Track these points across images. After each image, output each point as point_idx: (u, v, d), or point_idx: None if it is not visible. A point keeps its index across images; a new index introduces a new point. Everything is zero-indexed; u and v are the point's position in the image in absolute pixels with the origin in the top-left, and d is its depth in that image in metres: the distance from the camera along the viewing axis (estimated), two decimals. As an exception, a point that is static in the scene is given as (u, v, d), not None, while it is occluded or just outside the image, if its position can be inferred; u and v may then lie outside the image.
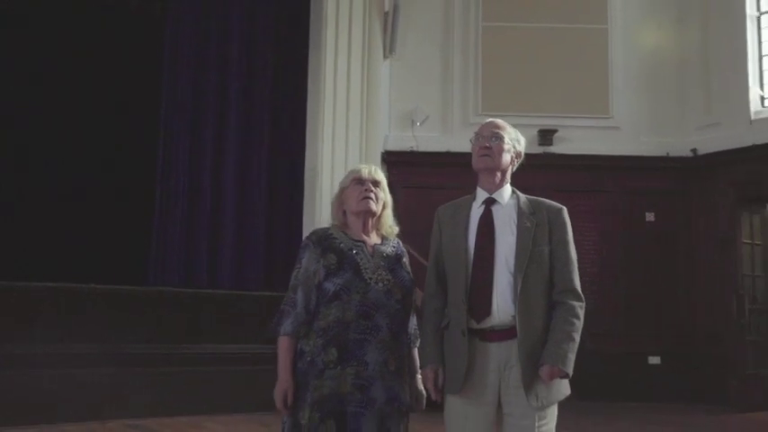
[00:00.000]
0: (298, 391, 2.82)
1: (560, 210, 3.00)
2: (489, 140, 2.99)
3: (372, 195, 3.01)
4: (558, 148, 10.20)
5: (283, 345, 2.91)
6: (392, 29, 10.28)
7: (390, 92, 10.45)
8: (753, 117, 9.80)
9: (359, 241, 3.00)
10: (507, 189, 3.03)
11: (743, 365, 9.39)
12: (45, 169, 8.68)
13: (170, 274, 9.07)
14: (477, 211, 2.96)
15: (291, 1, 10.15)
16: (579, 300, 2.88)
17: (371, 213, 3.02)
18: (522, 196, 3.04)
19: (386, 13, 10.33)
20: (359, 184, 3.04)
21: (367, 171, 3.08)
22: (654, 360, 9.95)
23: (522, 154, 3.15)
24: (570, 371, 2.77)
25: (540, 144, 10.09)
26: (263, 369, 7.96)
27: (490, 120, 3.15)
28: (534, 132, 10.02)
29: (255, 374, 8.02)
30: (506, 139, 3.03)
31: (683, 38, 10.52)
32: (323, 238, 3.01)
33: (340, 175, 9.47)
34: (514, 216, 2.92)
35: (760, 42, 9.96)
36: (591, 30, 10.43)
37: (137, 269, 8.87)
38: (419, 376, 2.99)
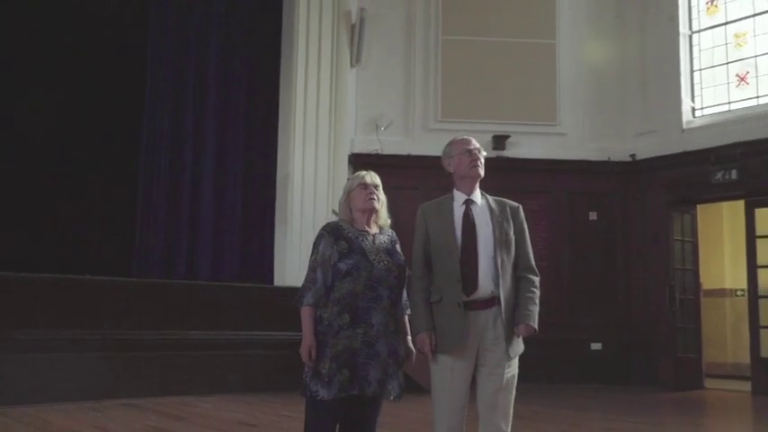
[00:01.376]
0: (318, 348, 3.57)
1: (518, 207, 3.83)
2: (480, 154, 3.77)
3: (375, 197, 3.78)
4: (510, 152, 10.98)
5: (306, 313, 3.65)
6: (359, 40, 10.96)
7: (357, 99, 11.11)
8: (684, 126, 10.73)
9: (363, 231, 3.77)
10: (478, 192, 3.83)
11: (674, 350, 10.30)
12: (43, 173, 9.24)
13: (152, 267, 9.69)
14: (459, 209, 3.72)
15: (265, 14, 10.81)
16: (536, 275, 3.72)
17: (374, 210, 3.80)
18: (489, 197, 3.83)
19: (353, 26, 11.02)
20: (363, 188, 3.79)
21: (369, 178, 3.84)
22: (596, 346, 10.82)
23: None
24: (537, 327, 3.61)
25: (494, 148, 10.83)
26: (242, 354, 8.72)
27: (466, 137, 3.91)
28: (489, 138, 10.83)
29: (235, 359, 8.80)
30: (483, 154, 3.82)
31: (624, 53, 11.40)
32: (335, 230, 3.77)
33: (310, 175, 10.23)
34: (487, 213, 3.71)
35: (692, 58, 10.91)
36: (541, 44, 11.26)
37: (121, 261, 9.47)
38: (409, 338, 3.77)
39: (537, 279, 3.72)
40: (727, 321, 12.25)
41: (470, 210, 3.70)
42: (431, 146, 10.70)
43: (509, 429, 3.57)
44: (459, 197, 3.77)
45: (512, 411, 3.61)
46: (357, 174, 3.93)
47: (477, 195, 3.78)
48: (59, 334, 7.58)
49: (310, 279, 3.69)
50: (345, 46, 11.00)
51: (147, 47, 10.04)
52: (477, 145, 3.81)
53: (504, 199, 3.86)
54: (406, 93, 11.24)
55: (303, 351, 3.59)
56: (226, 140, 10.46)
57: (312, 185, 10.43)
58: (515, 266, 3.70)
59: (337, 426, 3.59)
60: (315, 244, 3.80)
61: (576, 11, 11.39)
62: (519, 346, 3.63)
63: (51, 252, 8.78)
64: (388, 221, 3.90)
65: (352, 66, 11.04)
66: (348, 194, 3.83)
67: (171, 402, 7.59)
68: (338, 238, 3.71)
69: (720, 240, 12.33)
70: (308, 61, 10.66)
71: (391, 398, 3.60)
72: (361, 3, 11.09)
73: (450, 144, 3.89)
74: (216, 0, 10.62)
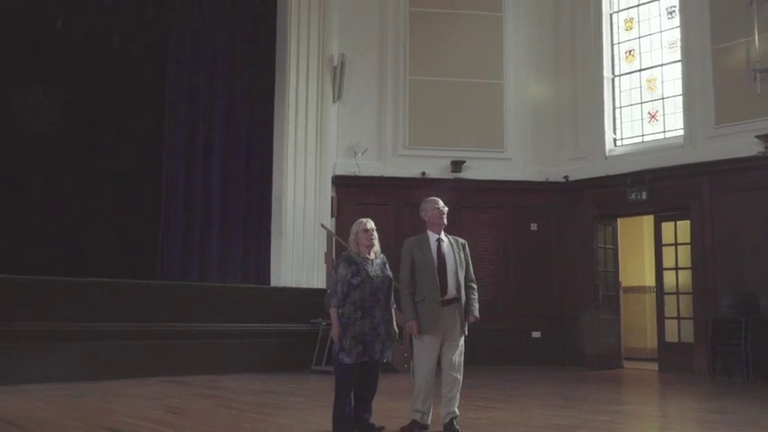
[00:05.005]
0: (342, 332, 5.72)
1: (465, 242, 6.08)
2: (444, 210, 5.97)
3: (374, 237, 5.96)
4: (466, 174, 13.12)
5: (333, 311, 5.79)
6: (340, 80, 13.06)
7: (338, 129, 13.16)
8: (607, 154, 13.00)
9: (366, 258, 5.93)
10: (443, 233, 6.04)
11: (597, 336, 12.55)
12: (79, 202, 11.29)
13: (171, 271, 11.73)
14: (434, 244, 5.93)
15: (261, 60, 12.88)
16: (475, 283, 5.98)
17: (373, 246, 5.97)
18: (449, 236, 6.05)
19: (335, 68, 13.12)
20: (365, 232, 5.96)
21: (369, 224, 6.00)
22: (536, 334, 13.02)
23: None
24: (479, 316, 5.87)
25: (452, 171, 13.05)
26: (247, 341, 10.77)
27: (436, 197, 6.09)
28: (448, 162, 13.06)
29: (241, 346, 10.89)
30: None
31: (559, 92, 13.60)
32: (348, 258, 5.93)
33: (301, 195, 12.65)
34: (450, 247, 5.93)
35: (613, 98, 13.19)
36: (491, 84, 13.45)
37: (148, 267, 11.52)
38: (395, 323, 5.95)
39: (476, 285, 5.97)
40: (647, 313, 14.35)
41: (441, 245, 5.94)
42: (400, 168, 13.08)
43: (461, 377, 5.83)
44: (432, 236, 5.99)
45: (462, 367, 5.85)
46: (360, 221, 6.11)
47: (443, 235, 6.00)
48: (110, 326, 9.65)
49: (333, 290, 5.87)
50: (328, 85, 13.09)
51: (165, 88, 12.03)
52: (443, 204, 6.03)
53: (457, 237, 6.10)
54: (380, 124, 13.30)
55: (334, 334, 5.77)
56: (230, 166, 12.49)
57: (302, 202, 12.56)
58: (465, 279, 5.94)
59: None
60: (335, 267, 6.00)
61: (520, 57, 13.60)
62: (466, 328, 5.88)
63: (95, 260, 10.81)
64: (379, 249, 6.09)
65: (333, 102, 13.13)
66: (356, 235, 6.02)
67: (200, 380, 9.60)
68: (350, 264, 5.89)
69: (642, 246, 14.43)
70: (298, 98, 12.76)
71: (387, 360, 5.83)
72: (341, 48, 13.20)
73: (426, 202, 6.12)
74: (221, 49, 12.63)
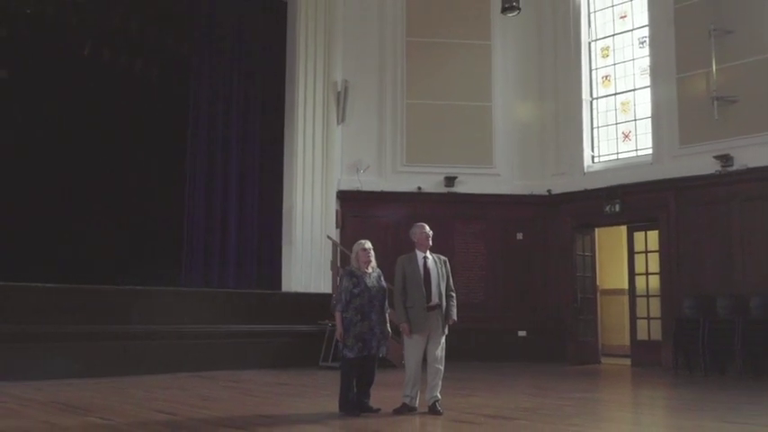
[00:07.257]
0: (344, 332, 7.08)
1: (446, 259, 7.43)
2: (430, 234, 7.32)
3: (371, 255, 7.32)
4: (458, 188, 14.45)
5: (338, 315, 7.14)
6: (343, 104, 14.43)
7: (342, 148, 14.53)
8: (586, 170, 14.34)
9: (364, 272, 7.28)
10: (428, 251, 7.39)
11: (576, 335, 13.90)
12: (107, 217, 12.72)
13: (193, 279, 13.11)
14: (420, 261, 7.26)
15: (272, 85, 14.25)
16: (454, 292, 7.32)
17: (370, 263, 7.34)
18: (433, 254, 7.39)
19: (338, 93, 14.48)
20: (364, 251, 7.32)
21: (367, 245, 7.36)
22: (522, 333, 14.32)
23: None
24: (456, 319, 7.22)
25: (445, 186, 14.40)
26: (259, 341, 12.12)
27: (423, 223, 7.43)
28: (441, 178, 14.39)
29: (255, 344, 12.20)
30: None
31: (543, 113, 14.95)
32: (350, 272, 7.29)
33: (309, 209, 14.26)
34: (434, 263, 7.27)
35: (591, 119, 14.54)
36: (480, 106, 14.79)
37: (173, 275, 12.90)
38: (388, 325, 7.30)
39: (455, 294, 7.34)
40: (624, 314, 15.36)
41: (426, 262, 7.30)
42: (398, 184, 14.46)
43: (443, 368, 7.19)
44: (419, 254, 7.35)
45: (444, 360, 7.22)
46: (360, 242, 7.47)
47: (428, 254, 7.36)
48: (143, 328, 11.01)
49: (338, 298, 7.25)
50: (333, 108, 14.47)
51: (187, 111, 13.37)
52: (429, 229, 7.39)
53: (439, 254, 7.47)
54: (379, 143, 14.66)
55: (338, 334, 7.15)
56: (245, 183, 13.85)
57: (310, 215, 13.92)
58: (446, 289, 7.30)
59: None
60: (340, 278, 7.38)
61: (507, 82, 14.96)
62: (446, 329, 7.25)
63: (128, 270, 12.22)
64: (375, 264, 7.45)
65: (338, 123, 14.50)
66: (356, 254, 7.39)
67: (222, 374, 10.93)
68: (352, 277, 7.26)
69: (621, 253, 15.40)
70: (305, 120, 14.14)
71: (382, 355, 7.20)
72: (344, 75, 14.58)
73: (416, 226, 7.48)
74: (236, 76, 14.00)
